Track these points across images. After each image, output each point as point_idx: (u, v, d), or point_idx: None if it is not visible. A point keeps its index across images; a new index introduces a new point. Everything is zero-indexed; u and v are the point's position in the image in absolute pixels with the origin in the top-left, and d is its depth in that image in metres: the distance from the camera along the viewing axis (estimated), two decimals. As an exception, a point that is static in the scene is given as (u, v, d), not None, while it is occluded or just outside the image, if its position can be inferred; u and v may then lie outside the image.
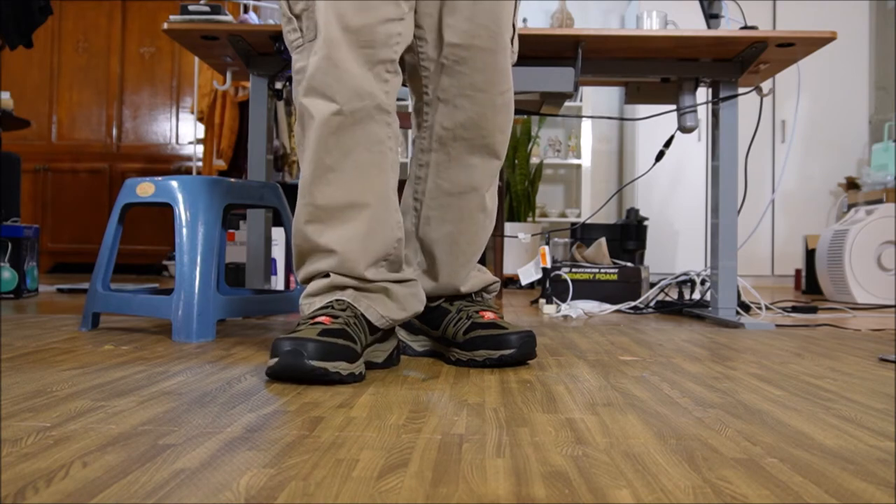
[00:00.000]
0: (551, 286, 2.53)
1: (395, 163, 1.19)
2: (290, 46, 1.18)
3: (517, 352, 1.18)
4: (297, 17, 1.16)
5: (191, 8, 1.87)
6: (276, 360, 0.99)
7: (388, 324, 1.15)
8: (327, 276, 1.15)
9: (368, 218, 1.14)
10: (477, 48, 1.22)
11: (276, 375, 1.00)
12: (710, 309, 2.18)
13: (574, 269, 2.67)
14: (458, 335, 1.22)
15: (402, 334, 1.33)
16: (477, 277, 1.34)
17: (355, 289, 1.15)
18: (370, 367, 1.14)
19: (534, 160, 4.95)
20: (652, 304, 2.47)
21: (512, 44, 1.28)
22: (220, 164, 4.23)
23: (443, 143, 1.27)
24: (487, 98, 1.24)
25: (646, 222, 4.22)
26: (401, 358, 1.27)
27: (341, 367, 1.01)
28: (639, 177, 2.46)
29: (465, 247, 1.30)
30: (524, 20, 4.94)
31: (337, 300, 1.12)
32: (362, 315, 1.12)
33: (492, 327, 1.21)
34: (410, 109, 1.36)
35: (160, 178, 1.58)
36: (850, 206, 4.06)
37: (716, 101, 2.10)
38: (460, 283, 1.30)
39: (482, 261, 1.42)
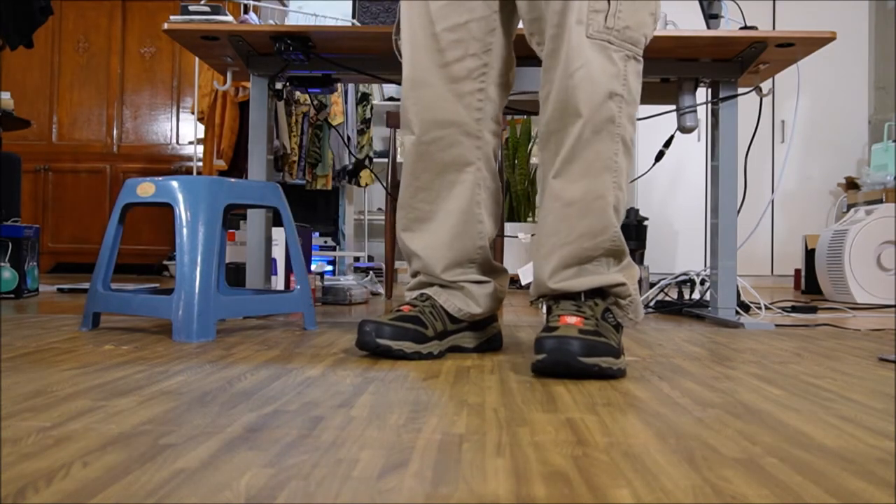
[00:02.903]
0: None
1: (485, 179, 1.34)
2: None
3: (546, 357, 1.05)
4: (402, 54, 1.35)
5: (191, 8, 1.87)
6: (358, 336, 1.24)
7: (466, 316, 1.33)
8: (419, 274, 1.36)
9: (449, 228, 1.32)
10: (553, 37, 1.19)
11: (359, 348, 1.24)
12: (709, 309, 2.18)
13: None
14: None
15: None
16: (586, 278, 1.19)
17: (440, 286, 1.34)
18: (460, 351, 1.35)
19: (534, 160, 4.95)
20: (652, 304, 2.47)
21: (606, 20, 1.16)
22: (221, 164, 4.23)
23: (542, 145, 1.24)
24: (561, 84, 1.17)
25: (646, 222, 4.22)
26: (502, 345, 1.43)
27: (406, 345, 1.22)
28: (639, 177, 2.46)
29: (545, 239, 1.21)
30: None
31: (421, 293, 1.34)
32: (441, 307, 1.31)
33: (548, 330, 1.08)
34: None
35: (160, 178, 1.58)
36: (849, 206, 4.06)
37: (715, 101, 2.10)
38: (546, 278, 1.20)
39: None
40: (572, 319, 1.11)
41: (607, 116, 1.16)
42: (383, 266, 3.39)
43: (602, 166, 1.17)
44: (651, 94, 2.24)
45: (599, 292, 1.19)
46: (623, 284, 1.19)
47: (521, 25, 1.32)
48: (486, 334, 1.39)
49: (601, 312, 1.17)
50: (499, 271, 1.39)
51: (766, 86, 4.59)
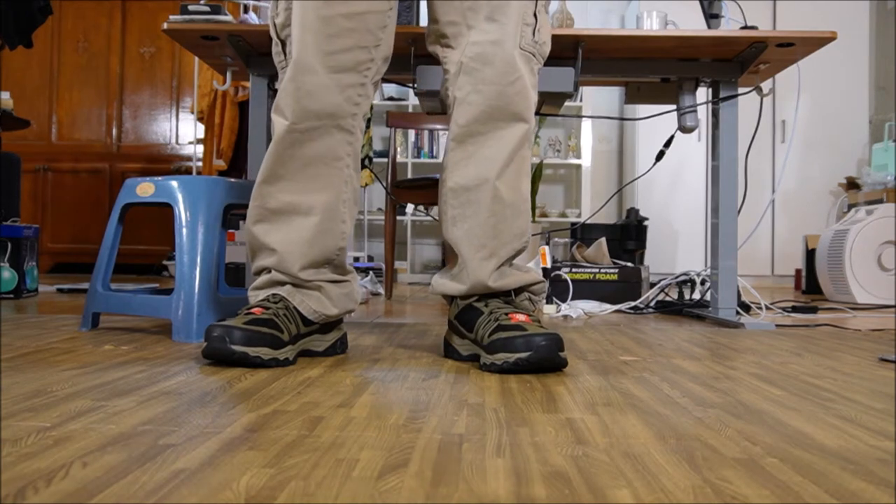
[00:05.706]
0: (551, 286, 2.53)
1: (351, 178, 1.30)
2: (278, 67, 1.31)
3: (533, 355, 1.09)
4: (283, 42, 1.30)
5: (191, 8, 1.87)
6: (206, 343, 1.13)
7: (320, 318, 1.27)
8: (270, 272, 1.28)
9: (312, 225, 1.25)
10: (487, 42, 1.24)
11: (206, 356, 1.14)
12: (710, 309, 2.18)
13: (574, 269, 2.67)
14: (484, 338, 1.18)
15: (453, 339, 1.30)
16: (514, 276, 1.28)
17: (293, 285, 1.27)
18: (312, 355, 1.28)
19: (534, 160, 4.96)
20: (652, 304, 2.47)
21: (534, 34, 1.28)
22: (220, 164, 4.23)
23: (459, 140, 1.27)
24: (497, 89, 1.24)
25: (646, 222, 4.21)
26: (347, 348, 1.37)
27: (263, 352, 1.13)
28: (639, 177, 2.46)
29: (487, 241, 1.25)
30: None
31: (273, 294, 1.26)
32: (295, 308, 1.24)
33: (514, 329, 1.13)
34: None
35: (160, 178, 1.58)
36: (850, 206, 4.06)
37: (716, 101, 2.10)
38: (486, 278, 1.24)
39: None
40: (521, 317, 1.18)
41: (534, 125, 1.30)
42: (383, 266, 3.39)
43: (526, 171, 1.29)
44: (651, 94, 2.23)
45: (520, 288, 1.29)
46: (543, 282, 1.31)
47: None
48: (334, 336, 1.33)
49: (526, 308, 1.28)
50: (351, 274, 1.35)
51: (766, 86, 4.59)
